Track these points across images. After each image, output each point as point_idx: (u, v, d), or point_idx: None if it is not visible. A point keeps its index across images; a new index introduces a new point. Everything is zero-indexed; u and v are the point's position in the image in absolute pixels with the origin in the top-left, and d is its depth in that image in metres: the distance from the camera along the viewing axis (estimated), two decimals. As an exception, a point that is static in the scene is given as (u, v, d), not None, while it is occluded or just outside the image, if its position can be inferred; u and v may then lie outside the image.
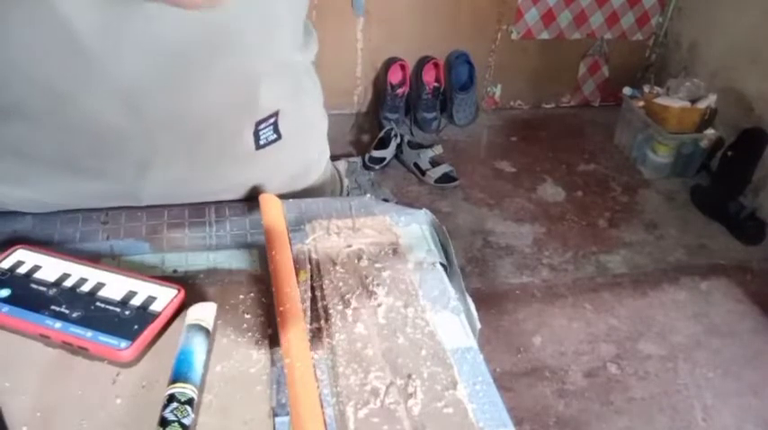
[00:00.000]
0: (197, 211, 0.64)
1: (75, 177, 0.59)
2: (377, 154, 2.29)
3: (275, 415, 0.44)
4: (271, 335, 0.50)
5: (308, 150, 0.73)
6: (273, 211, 0.61)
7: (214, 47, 0.51)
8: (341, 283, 0.55)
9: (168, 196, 0.64)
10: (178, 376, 0.44)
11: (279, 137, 0.64)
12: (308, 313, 0.52)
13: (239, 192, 0.68)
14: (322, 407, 0.44)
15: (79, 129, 0.53)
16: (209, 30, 0.50)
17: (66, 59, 0.48)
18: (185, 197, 0.65)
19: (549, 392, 1.54)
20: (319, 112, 0.74)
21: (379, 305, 0.53)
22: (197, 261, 0.58)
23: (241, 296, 0.54)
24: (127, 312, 0.49)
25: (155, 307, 0.50)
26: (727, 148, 2.17)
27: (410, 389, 0.45)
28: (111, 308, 0.50)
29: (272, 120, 0.62)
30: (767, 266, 1.98)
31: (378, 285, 0.55)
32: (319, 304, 0.53)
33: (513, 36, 2.55)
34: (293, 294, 0.52)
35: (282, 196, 0.65)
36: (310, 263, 0.57)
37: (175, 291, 0.51)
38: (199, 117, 0.56)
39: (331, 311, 0.52)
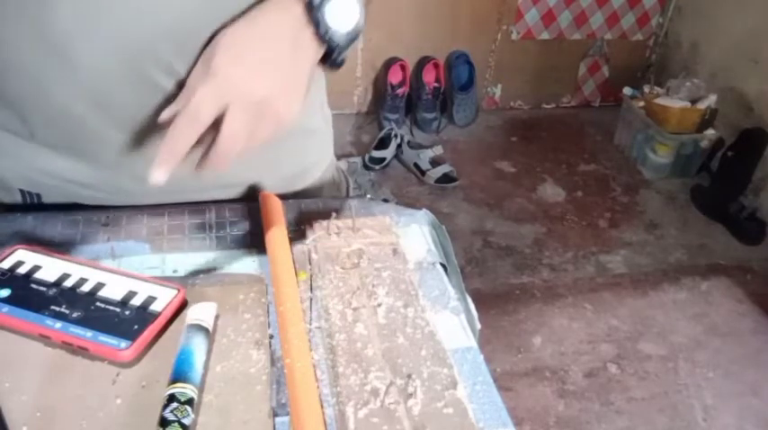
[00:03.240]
0: (197, 212, 0.65)
1: (59, 158, 0.60)
2: (377, 154, 2.29)
3: (275, 415, 0.44)
4: (271, 335, 0.50)
5: (304, 154, 0.73)
6: (273, 211, 0.61)
7: (177, 46, 0.52)
8: (341, 283, 0.55)
9: (158, 191, 0.64)
10: (178, 376, 0.44)
11: None
12: (308, 313, 0.52)
13: (232, 191, 0.68)
14: (322, 407, 0.44)
15: (55, 117, 0.55)
16: (171, 29, 0.51)
17: (40, 49, 0.50)
18: (176, 193, 0.65)
19: (549, 392, 1.54)
20: (319, 118, 0.73)
21: (379, 305, 0.53)
22: (197, 261, 0.58)
23: (241, 296, 0.54)
24: (127, 312, 0.49)
25: (155, 307, 0.50)
26: (727, 148, 2.17)
27: (410, 389, 0.45)
28: (111, 308, 0.49)
29: None
30: (767, 266, 1.98)
31: (378, 285, 0.55)
32: (319, 304, 0.53)
33: (513, 36, 2.55)
34: (293, 294, 0.52)
35: (279, 196, 0.65)
36: (310, 263, 0.57)
37: (175, 291, 0.51)
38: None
39: (331, 311, 0.52)
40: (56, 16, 0.48)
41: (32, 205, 0.65)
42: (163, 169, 0.47)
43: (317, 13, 0.49)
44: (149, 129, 0.57)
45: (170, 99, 0.55)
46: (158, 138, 0.58)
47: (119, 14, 0.49)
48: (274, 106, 0.49)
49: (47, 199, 0.65)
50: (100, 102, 0.54)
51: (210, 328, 0.49)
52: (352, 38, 0.52)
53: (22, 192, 0.64)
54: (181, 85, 0.54)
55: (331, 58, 0.53)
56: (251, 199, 0.67)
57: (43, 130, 0.57)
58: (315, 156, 0.75)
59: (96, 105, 0.54)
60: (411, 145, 2.32)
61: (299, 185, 0.72)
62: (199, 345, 0.47)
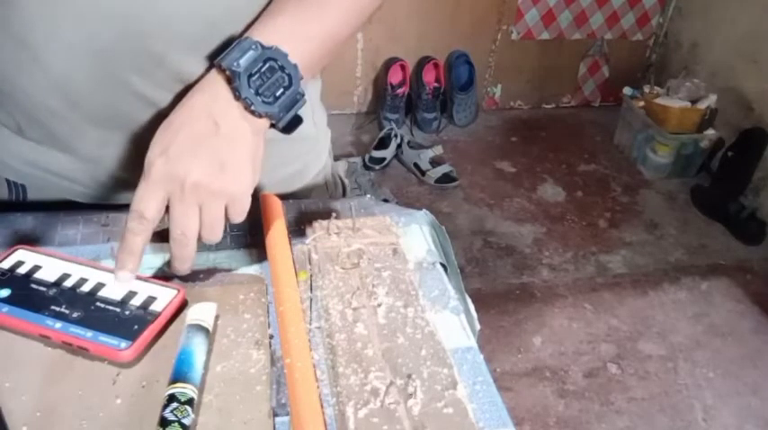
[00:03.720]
0: (197, 212, 0.64)
1: (44, 150, 0.61)
2: (377, 154, 2.29)
3: (275, 415, 0.44)
4: (271, 335, 0.50)
5: (293, 159, 0.72)
6: (273, 211, 0.61)
7: (145, 48, 0.52)
8: (341, 283, 0.55)
9: None
10: (178, 376, 0.44)
11: None
12: (308, 313, 0.52)
13: None
14: (322, 407, 0.44)
15: (35, 112, 0.56)
16: (138, 31, 0.51)
17: (8, 46, 0.50)
18: None
19: (549, 392, 1.54)
20: (309, 123, 0.72)
21: (379, 305, 0.53)
22: (197, 261, 0.58)
23: (241, 296, 0.54)
24: (127, 312, 0.49)
25: (155, 307, 0.50)
26: (727, 149, 2.18)
27: (410, 389, 0.45)
28: (111, 308, 0.49)
29: None
30: (767, 266, 1.98)
31: (378, 285, 0.55)
32: (319, 304, 0.53)
33: (513, 36, 2.55)
34: (293, 294, 0.52)
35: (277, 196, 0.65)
36: (310, 263, 0.57)
37: (175, 292, 0.51)
38: (140, 116, 0.57)
39: (331, 311, 0.52)
40: (21, 12, 0.48)
41: (27, 203, 0.66)
42: (125, 271, 0.49)
43: (239, 91, 0.49)
44: (123, 127, 0.58)
45: (142, 97, 0.55)
46: (132, 136, 0.58)
47: (82, 16, 0.49)
48: (216, 184, 0.48)
49: (32, 191, 0.65)
50: (72, 99, 0.54)
51: (210, 328, 0.49)
52: (289, 104, 0.52)
53: (8, 182, 0.65)
54: (155, 84, 0.54)
55: (276, 126, 0.52)
56: (251, 199, 0.66)
57: (27, 124, 0.58)
58: (305, 162, 0.74)
59: (69, 102, 0.54)
60: (411, 145, 2.32)
61: (290, 189, 0.72)
62: (199, 345, 0.47)
